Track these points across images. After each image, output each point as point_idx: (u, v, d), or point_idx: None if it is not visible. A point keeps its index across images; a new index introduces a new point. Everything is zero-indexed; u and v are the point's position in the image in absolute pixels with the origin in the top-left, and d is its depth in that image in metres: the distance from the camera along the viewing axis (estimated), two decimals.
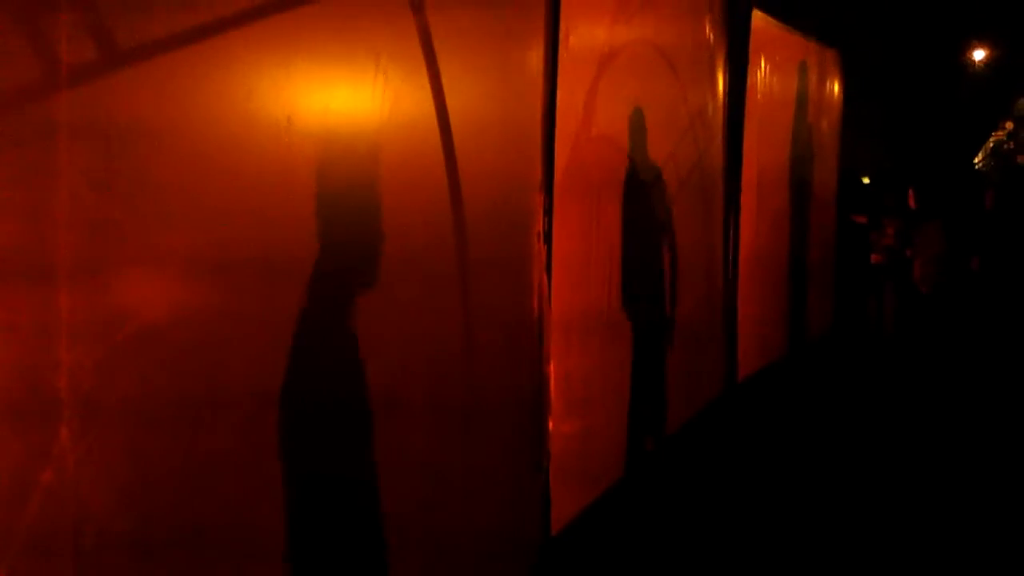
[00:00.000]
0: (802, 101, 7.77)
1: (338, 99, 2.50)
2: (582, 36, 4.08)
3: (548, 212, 3.69)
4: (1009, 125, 20.70)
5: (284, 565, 2.31)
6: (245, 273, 2.15)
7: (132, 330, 1.84)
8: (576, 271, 4.15)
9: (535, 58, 3.62)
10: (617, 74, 4.46)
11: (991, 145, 19.74)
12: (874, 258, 9.24)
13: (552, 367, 3.81)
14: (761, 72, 6.58)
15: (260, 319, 2.21)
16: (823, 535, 4.78)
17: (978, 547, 4.66)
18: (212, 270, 2.07)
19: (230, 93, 2.11)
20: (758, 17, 6.37)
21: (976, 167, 16.71)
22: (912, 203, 9.09)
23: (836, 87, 8.79)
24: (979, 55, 14.38)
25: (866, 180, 10.80)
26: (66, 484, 1.70)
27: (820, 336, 8.47)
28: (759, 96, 6.56)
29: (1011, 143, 21.14)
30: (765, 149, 6.81)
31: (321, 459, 2.44)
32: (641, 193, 4.88)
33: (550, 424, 3.81)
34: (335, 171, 2.44)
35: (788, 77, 7.39)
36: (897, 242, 9.07)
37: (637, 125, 4.82)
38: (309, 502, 2.40)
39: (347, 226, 2.51)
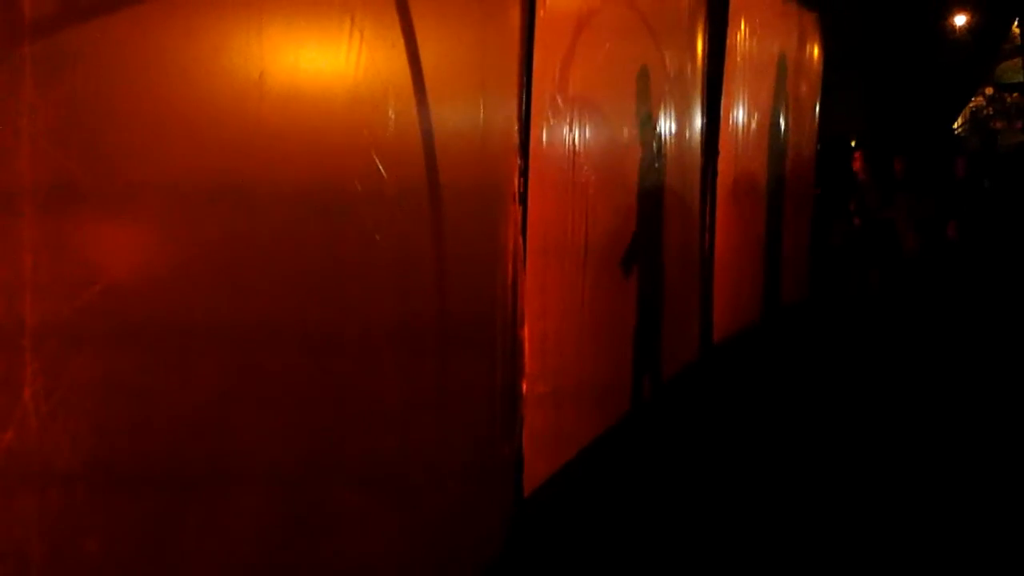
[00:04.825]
0: (782, 65, 7.74)
1: (311, 56, 2.46)
2: None
3: (524, 173, 3.67)
4: (989, 91, 20.76)
5: (251, 524, 2.30)
6: (213, 232, 2.12)
7: (97, 290, 1.81)
8: (552, 233, 4.13)
9: (512, 18, 3.58)
10: (595, 35, 4.43)
11: (970, 111, 19.80)
12: (856, 221, 9.31)
13: (527, 330, 3.81)
14: (741, 35, 6.55)
15: (229, 278, 2.18)
16: (802, 495, 4.82)
17: (962, 502, 4.71)
18: (180, 229, 2.04)
19: (200, 48, 2.07)
20: None
21: (955, 133, 16.75)
22: (899, 171, 9.15)
23: (816, 51, 8.76)
24: (960, 20, 14.33)
25: (852, 143, 10.85)
26: (29, 447, 1.68)
27: (794, 303, 8.50)
28: (738, 59, 6.53)
29: (990, 109, 21.21)
30: (743, 113, 6.79)
31: (293, 422, 2.43)
32: (620, 156, 4.87)
33: (524, 386, 3.81)
34: (307, 129, 2.41)
35: (768, 40, 7.36)
36: (880, 208, 9.13)
37: (624, 89, 4.82)
38: (282, 462, 2.39)
39: (318, 185, 2.48)
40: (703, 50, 5.97)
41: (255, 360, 2.27)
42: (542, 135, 3.90)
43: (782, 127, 7.89)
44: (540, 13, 3.72)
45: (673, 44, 5.52)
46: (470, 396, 3.45)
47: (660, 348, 5.54)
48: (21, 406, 1.67)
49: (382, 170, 2.75)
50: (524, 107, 3.68)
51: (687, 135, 5.81)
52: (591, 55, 4.41)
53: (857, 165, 9.42)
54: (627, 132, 4.94)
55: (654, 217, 5.35)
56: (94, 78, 1.78)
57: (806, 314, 8.57)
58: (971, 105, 19.20)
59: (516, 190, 3.63)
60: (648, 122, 5.17)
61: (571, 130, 4.29)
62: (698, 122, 6.00)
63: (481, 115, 3.41)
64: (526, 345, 3.81)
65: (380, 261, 2.77)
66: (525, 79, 3.67)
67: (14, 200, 1.65)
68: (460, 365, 3.33)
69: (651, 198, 5.29)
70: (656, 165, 5.31)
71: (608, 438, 4.78)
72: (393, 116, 2.81)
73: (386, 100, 2.76)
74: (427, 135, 2.98)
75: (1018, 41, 17.25)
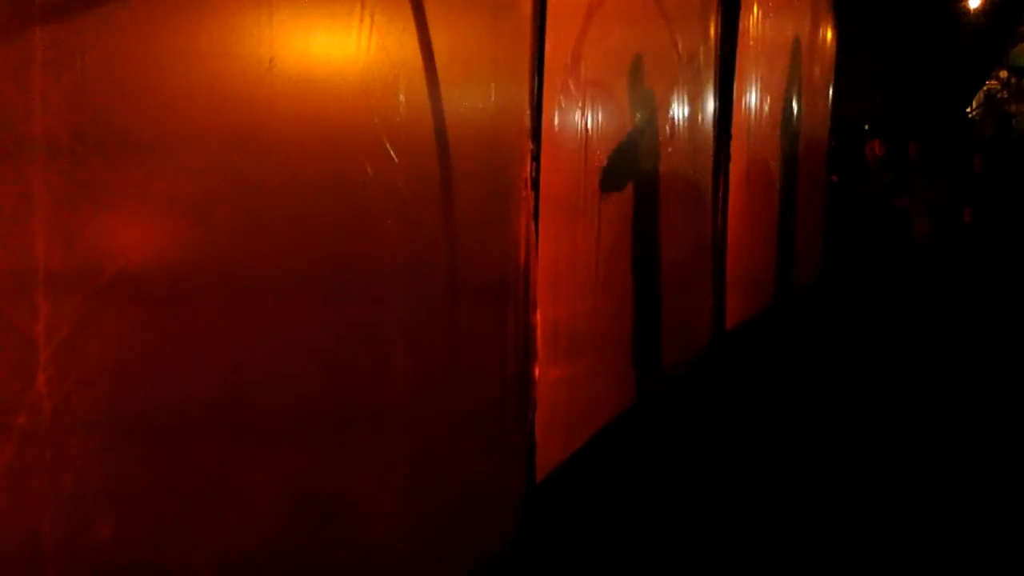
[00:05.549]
0: (795, 48, 7.71)
1: (322, 41, 2.45)
2: None
3: (536, 158, 3.66)
4: (1003, 74, 20.63)
5: (265, 511, 2.30)
6: (225, 218, 2.12)
7: (111, 276, 1.81)
8: (564, 217, 4.13)
9: (524, 2, 3.56)
10: (607, 19, 4.41)
11: (984, 94, 19.70)
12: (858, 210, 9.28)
13: (539, 315, 3.80)
14: (753, 18, 6.52)
15: (238, 264, 2.18)
16: (813, 483, 4.81)
17: (977, 488, 4.70)
18: (192, 215, 2.04)
19: (210, 33, 2.07)
20: None
21: (970, 116, 16.66)
22: (913, 155, 9.09)
23: (829, 34, 8.72)
24: (974, 3, 14.23)
25: (866, 127, 10.81)
26: (42, 432, 1.68)
27: (807, 286, 8.47)
28: (751, 43, 6.49)
29: (1005, 92, 21.09)
30: (756, 97, 6.76)
31: (302, 405, 2.43)
32: (632, 140, 4.85)
33: (536, 372, 3.81)
34: (318, 115, 2.41)
35: (781, 24, 7.32)
36: (890, 193, 9.08)
37: (636, 73, 4.79)
38: (291, 449, 2.39)
39: (329, 171, 2.47)
40: (716, 34, 5.94)
41: (264, 349, 2.27)
42: (554, 120, 3.89)
43: (795, 111, 7.86)
44: None
45: (685, 28, 5.49)
46: (482, 382, 3.45)
47: (674, 333, 5.53)
48: (35, 391, 1.68)
49: (393, 156, 2.74)
50: (536, 92, 3.66)
51: (699, 119, 5.79)
52: (603, 39, 4.40)
53: (880, 152, 9.36)
54: (639, 116, 4.92)
55: (667, 202, 5.33)
56: (103, 64, 1.78)
57: (819, 299, 8.54)
58: (985, 88, 19.09)
59: (528, 175, 3.62)
60: (660, 107, 5.15)
61: (583, 115, 4.27)
62: (711, 106, 5.97)
63: (493, 100, 3.40)
64: (538, 330, 3.81)
65: (390, 246, 2.77)
66: (537, 63, 3.65)
67: (25, 187, 1.65)
68: (472, 350, 3.33)
69: (663, 183, 5.27)
70: (668, 150, 5.29)
71: (622, 423, 4.78)
72: (404, 101, 2.80)
73: (397, 85, 2.75)
74: (438, 120, 2.97)
75: None
